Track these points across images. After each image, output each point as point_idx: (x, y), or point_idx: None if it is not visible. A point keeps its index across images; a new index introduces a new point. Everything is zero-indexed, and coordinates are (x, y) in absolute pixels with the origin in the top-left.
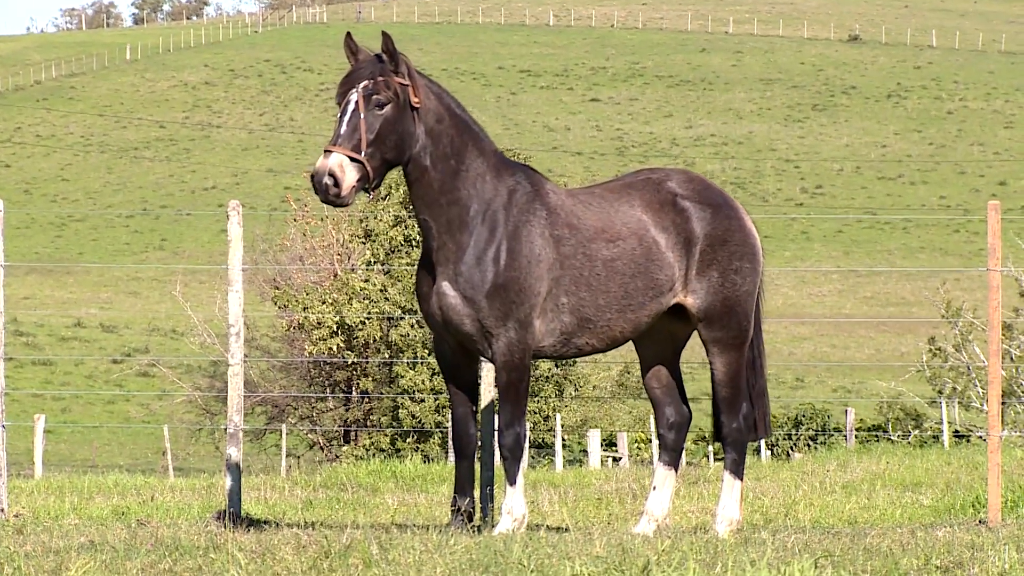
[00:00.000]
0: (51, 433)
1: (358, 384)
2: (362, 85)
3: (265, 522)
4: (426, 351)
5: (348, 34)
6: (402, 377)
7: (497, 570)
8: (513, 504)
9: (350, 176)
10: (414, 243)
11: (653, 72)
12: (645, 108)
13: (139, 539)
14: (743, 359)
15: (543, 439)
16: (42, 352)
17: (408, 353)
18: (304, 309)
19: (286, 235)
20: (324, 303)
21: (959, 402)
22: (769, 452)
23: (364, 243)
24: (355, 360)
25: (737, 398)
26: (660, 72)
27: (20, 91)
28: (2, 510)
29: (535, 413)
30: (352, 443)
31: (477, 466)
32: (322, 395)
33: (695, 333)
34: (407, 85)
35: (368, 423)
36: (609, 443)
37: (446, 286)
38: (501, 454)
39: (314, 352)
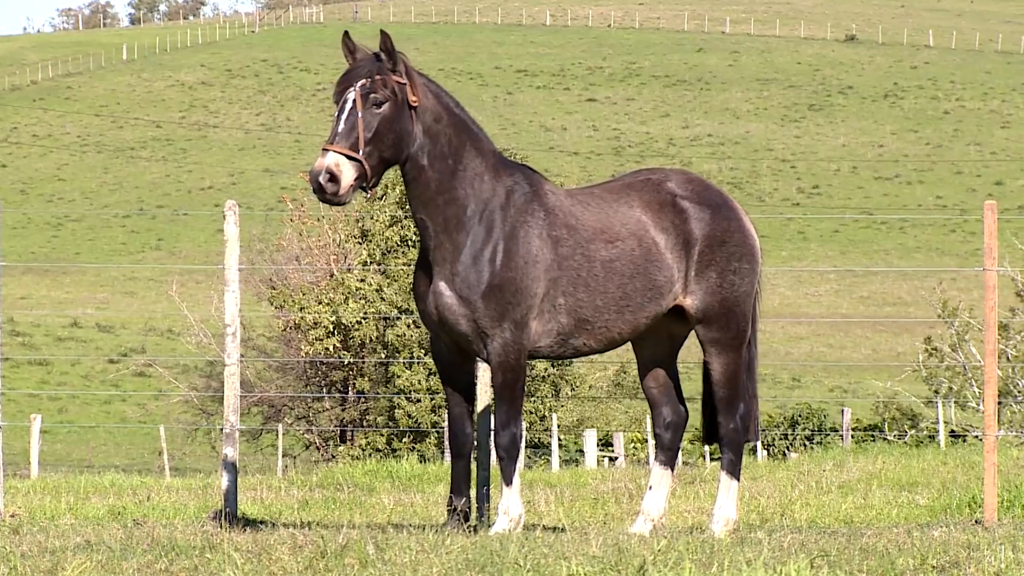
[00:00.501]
0: (47, 433)
1: (354, 384)
2: (360, 84)
3: (261, 522)
4: (422, 351)
5: (346, 33)
6: (398, 377)
7: (493, 570)
8: (509, 504)
9: (348, 175)
10: (410, 243)
11: (650, 72)
12: (642, 108)
13: (135, 539)
14: (741, 360)
15: (539, 439)
16: (38, 352)
17: (404, 353)
18: (300, 309)
19: (282, 235)
20: (320, 303)
21: (955, 402)
22: (765, 452)
23: (360, 243)
24: (351, 360)
25: (735, 399)
26: (657, 72)
27: (16, 91)
28: None
29: (531, 413)
30: (348, 443)
31: (473, 466)
32: (318, 395)
33: (692, 333)
34: (405, 84)
35: (364, 423)
36: (605, 443)
37: (443, 286)
38: (497, 454)
39: (310, 352)
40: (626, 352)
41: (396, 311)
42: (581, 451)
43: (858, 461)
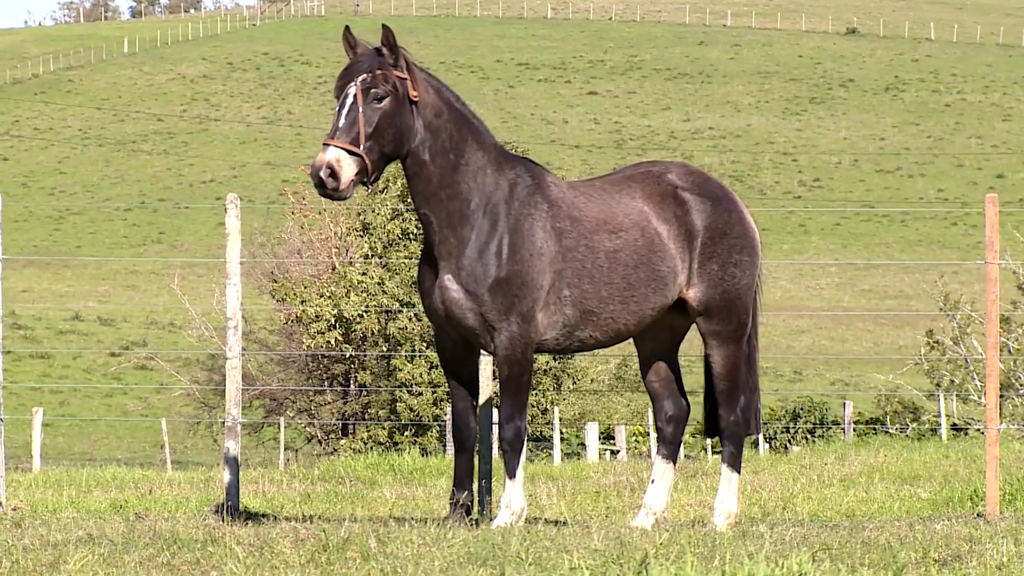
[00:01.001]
0: (49, 426)
1: (356, 377)
2: (360, 78)
3: (263, 515)
4: (424, 344)
5: (347, 28)
6: (400, 370)
7: (495, 563)
8: (512, 497)
9: (348, 170)
10: (412, 236)
11: (651, 65)
12: (643, 101)
13: (137, 532)
14: (741, 352)
15: (541, 432)
16: (40, 345)
17: (406, 346)
18: (302, 302)
19: (284, 228)
20: (322, 296)
21: (957, 395)
22: (767, 445)
23: (362, 236)
24: (353, 353)
25: (735, 391)
26: (658, 65)
27: (18, 84)
28: (0, 503)
29: (533, 407)
30: (350, 436)
31: (476, 460)
32: (320, 388)
33: (693, 326)
34: (405, 79)
35: (366, 416)
36: (607, 436)
37: (448, 280)
38: (501, 447)
39: (312, 345)
40: (627, 346)
41: (398, 304)
42: (583, 444)
43: (860, 454)
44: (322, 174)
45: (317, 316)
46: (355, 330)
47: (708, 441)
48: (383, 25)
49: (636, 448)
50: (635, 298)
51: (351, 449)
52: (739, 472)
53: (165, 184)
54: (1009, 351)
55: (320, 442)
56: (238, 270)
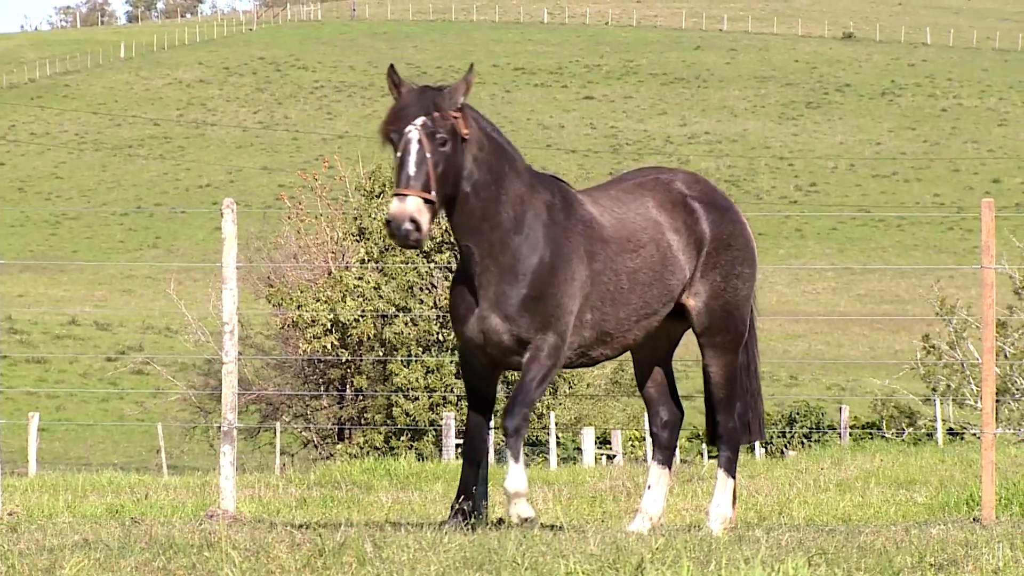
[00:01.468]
0: (45, 431)
1: (352, 382)
2: (420, 122)
3: (259, 520)
4: (420, 349)
5: (391, 66)
6: (396, 375)
7: (491, 568)
8: (516, 480)
9: (426, 218)
10: None
11: (647, 70)
12: (639, 106)
13: (133, 537)
14: (738, 361)
15: (537, 437)
16: (36, 350)
17: (402, 351)
18: (298, 307)
19: (280, 233)
20: (318, 301)
21: (953, 400)
22: (763, 450)
23: (358, 241)
24: (349, 358)
25: (732, 398)
26: (654, 70)
27: (14, 89)
28: None
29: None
30: (346, 441)
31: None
32: (316, 393)
33: (686, 332)
34: (458, 117)
35: (362, 421)
36: (603, 441)
37: (488, 309)
38: (506, 433)
39: (308, 350)
40: None
41: (394, 309)
42: (579, 449)
43: (856, 459)
44: (406, 227)
45: (313, 320)
46: (351, 335)
47: (705, 446)
48: (471, 65)
49: (632, 452)
50: (648, 315)
51: (347, 454)
52: (735, 477)
53: (161, 189)
54: (1005, 355)
55: (316, 447)
56: (234, 275)
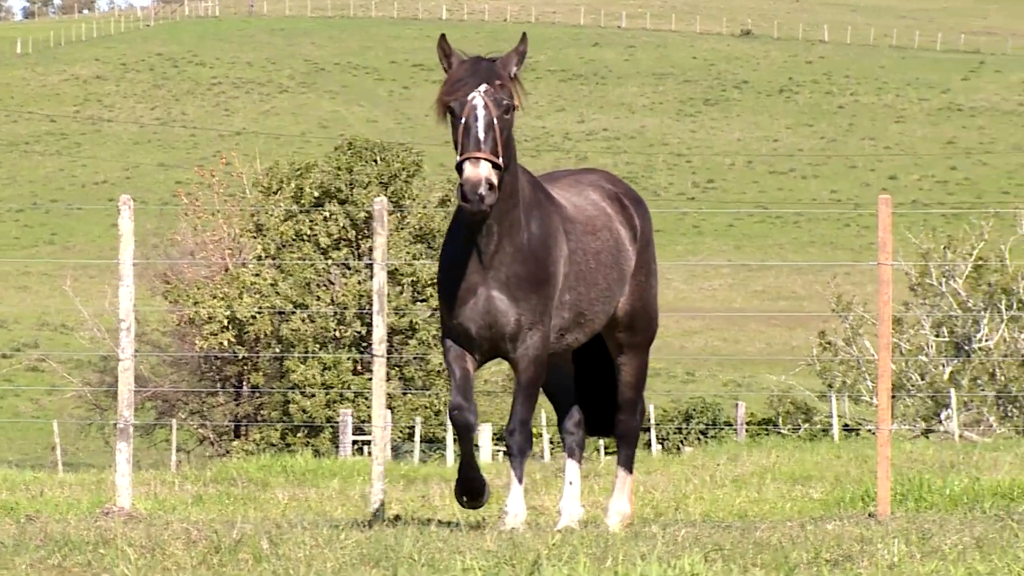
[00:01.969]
0: None
1: (249, 379)
2: (484, 89)
3: (155, 517)
4: (317, 345)
5: (442, 36)
6: (293, 372)
7: (388, 564)
8: (515, 503)
9: (496, 183)
10: (305, 238)
11: (545, 66)
12: (537, 102)
13: (28, 535)
14: (648, 360)
15: (434, 434)
16: None
17: (299, 348)
18: (195, 304)
19: (177, 229)
20: (215, 298)
21: (849, 396)
22: (660, 446)
23: (255, 238)
24: (246, 355)
25: (640, 397)
26: (552, 66)
27: None
28: None
29: (427, 408)
30: (242, 438)
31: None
32: (213, 390)
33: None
34: (513, 87)
35: (258, 418)
36: (500, 438)
37: (497, 289)
38: (510, 451)
39: (205, 347)
40: None
41: (291, 306)
42: (476, 446)
43: (752, 455)
44: (482, 190)
45: (210, 317)
46: (248, 331)
47: (602, 442)
48: (523, 34)
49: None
50: (610, 298)
51: (243, 451)
52: (632, 473)
53: (58, 185)
54: (901, 352)
55: (212, 443)
56: (131, 271)
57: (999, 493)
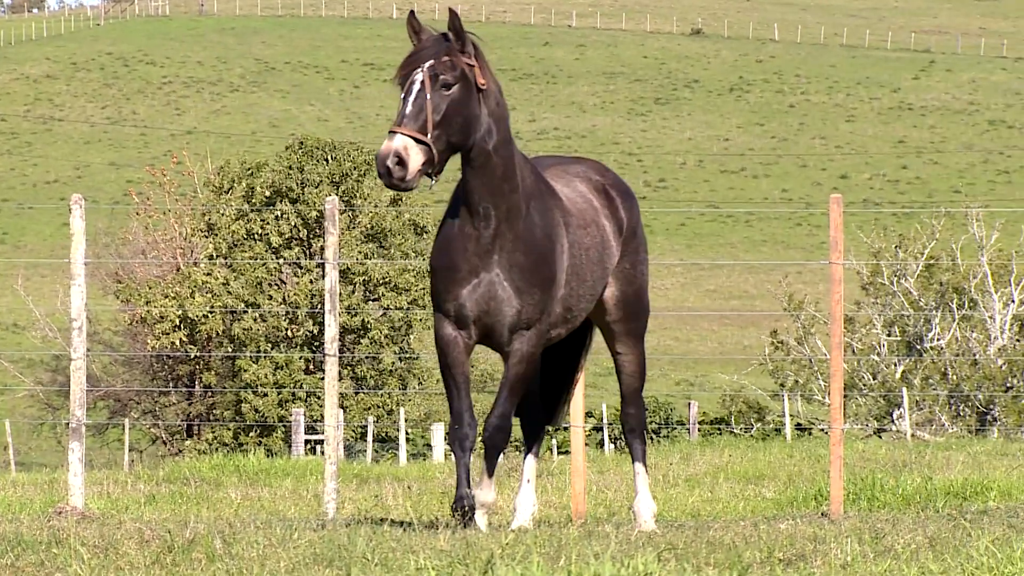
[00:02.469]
0: None
1: (201, 378)
2: (427, 65)
3: (108, 517)
4: (269, 345)
5: (411, 12)
6: (245, 371)
7: (341, 564)
8: (486, 495)
9: (416, 159)
10: (257, 237)
11: (496, 65)
12: None
13: None
14: (644, 350)
15: (387, 432)
16: None
17: (251, 347)
18: (147, 303)
19: (128, 229)
20: (167, 297)
21: (801, 395)
22: (612, 445)
23: (207, 237)
24: (198, 354)
25: (642, 388)
26: (503, 65)
27: None
28: None
29: (379, 407)
30: (195, 437)
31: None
32: (165, 389)
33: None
34: (473, 65)
35: (211, 417)
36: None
37: (498, 276)
38: (489, 444)
39: (157, 346)
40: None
41: (243, 305)
42: (429, 445)
43: (705, 454)
44: (389, 162)
45: (162, 317)
46: (200, 331)
47: (554, 440)
48: (450, 9)
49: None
50: (593, 295)
51: (196, 450)
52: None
53: (8, 184)
54: (853, 351)
55: (165, 443)
56: (83, 271)
57: (952, 492)
